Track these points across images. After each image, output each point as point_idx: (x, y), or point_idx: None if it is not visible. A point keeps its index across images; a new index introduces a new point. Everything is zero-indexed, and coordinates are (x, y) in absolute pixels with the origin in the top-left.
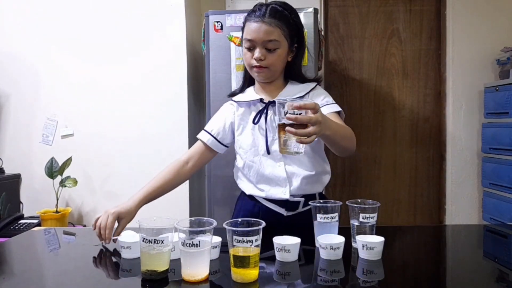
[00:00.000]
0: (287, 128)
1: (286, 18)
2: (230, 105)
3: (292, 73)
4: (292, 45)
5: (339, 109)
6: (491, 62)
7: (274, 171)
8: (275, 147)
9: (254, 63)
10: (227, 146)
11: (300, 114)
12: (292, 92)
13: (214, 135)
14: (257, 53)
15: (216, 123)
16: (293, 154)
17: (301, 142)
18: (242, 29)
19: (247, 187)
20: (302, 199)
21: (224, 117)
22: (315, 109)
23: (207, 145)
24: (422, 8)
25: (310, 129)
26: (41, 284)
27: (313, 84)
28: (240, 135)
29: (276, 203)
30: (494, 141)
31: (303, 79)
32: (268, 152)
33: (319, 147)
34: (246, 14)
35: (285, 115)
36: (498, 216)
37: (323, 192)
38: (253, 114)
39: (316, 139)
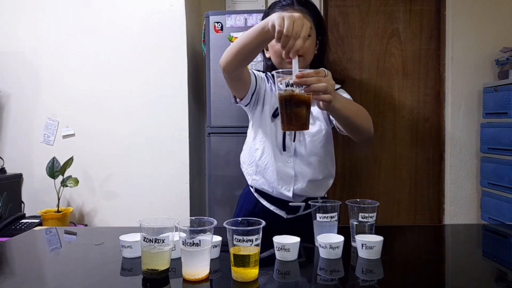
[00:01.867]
0: (298, 74)
1: (313, 7)
2: (265, 77)
3: (317, 67)
4: (317, 36)
5: None
6: (490, 62)
7: (283, 167)
8: (289, 144)
9: None
10: (244, 99)
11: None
12: None
13: (257, 78)
14: None
15: (258, 77)
16: (298, 129)
17: (319, 99)
18: None
19: (251, 175)
20: (303, 204)
21: (260, 82)
22: (321, 74)
23: (249, 73)
24: (422, 8)
25: (322, 84)
26: (42, 284)
27: (337, 86)
28: (261, 116)
29: (277, 205)
30: (493, 141)
31: None
32: (284, 149)
33: (330, 149)
34: (246, 14)
35: (287, 86)
36: (497, 216)
37: (325, 195)
38: (276, 103)
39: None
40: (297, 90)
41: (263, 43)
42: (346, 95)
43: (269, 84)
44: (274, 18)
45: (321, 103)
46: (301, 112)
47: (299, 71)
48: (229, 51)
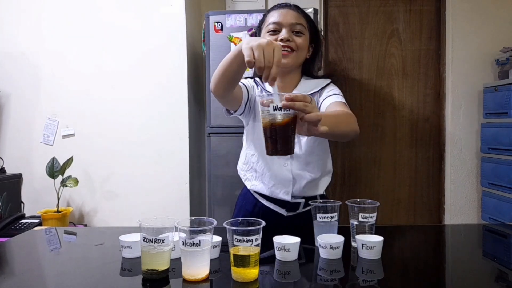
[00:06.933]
0: (287, 97)
1: (308, 15)
2: (254, 83)
3: (308, 72)
4: (311, 42)
5: (343, 101)
6: (491, 62)
7: (280, 171)
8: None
9: (280, 44)
10: (238, 110)
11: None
12: (306, 88)
13: (248, 88)
14: (284, 33)
15: (249, 86)
16: (284, 154)
17: (308, 132)
18: (261, 23)
19: (250, 180)
20: (303, 200)
21: (251, 91)
22: (306, 100)
23: (240, 87)
24: (422, 8)
25: (309, 107)
26: (42, 284)
27: (327, 81)
28: (254, 122)
29: (277, 203)
30: (493, 141)
31: (317, 77)
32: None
33: (326, 146)
34: (246, 14)
35: (274, 110)
36: (497, 215)
37: (324, 193)
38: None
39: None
40: (279, 116)
41: (242, 65)
42: (336, 90)
43: (259, 89)
44: (243, 47)
45: (307, 129)
46: (287, 136)
47: (281, 94)
48: (215, 75)
